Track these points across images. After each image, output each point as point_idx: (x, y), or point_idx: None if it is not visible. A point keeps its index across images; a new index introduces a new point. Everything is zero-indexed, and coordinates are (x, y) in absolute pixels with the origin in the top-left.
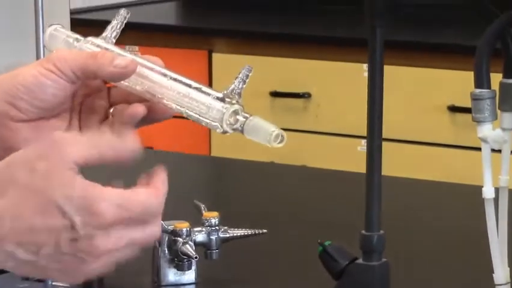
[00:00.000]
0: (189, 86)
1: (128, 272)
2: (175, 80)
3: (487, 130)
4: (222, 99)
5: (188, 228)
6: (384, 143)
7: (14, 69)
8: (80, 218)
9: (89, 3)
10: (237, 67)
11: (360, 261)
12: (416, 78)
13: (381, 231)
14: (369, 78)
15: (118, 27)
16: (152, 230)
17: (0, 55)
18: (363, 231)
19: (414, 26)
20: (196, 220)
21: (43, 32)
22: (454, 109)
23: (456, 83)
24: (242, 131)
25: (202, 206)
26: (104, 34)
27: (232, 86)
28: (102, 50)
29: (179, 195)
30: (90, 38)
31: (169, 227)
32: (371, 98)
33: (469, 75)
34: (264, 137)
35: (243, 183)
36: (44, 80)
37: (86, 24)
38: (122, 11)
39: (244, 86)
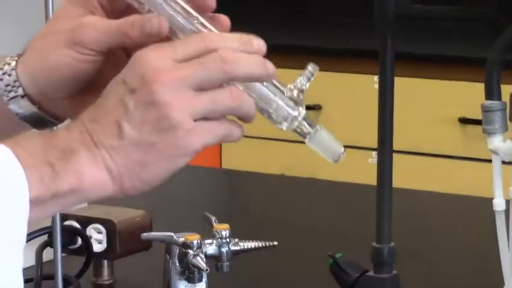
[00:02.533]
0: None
1: (139, 283)
2: None
3: (497, 142)
4: (295, 102)
5: (199, 241)
6: (395, 155)
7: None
8: (127, 69)
9: None
10: None
11: (371, 273)
12: (426, 90)
13: (392, 244)
14: (380, 90)
15: None
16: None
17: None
18: (374, 244)
19: (424, 37)
20: (207, 232)
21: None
22: (464, 121)
23: (467, 94)
24: (304, 136)
25: (213, 218)
26: None
27: (298, 83)
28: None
29: (190, 207)
30: None
31: (180, 239)
32: (381, 109)
33: (480, 87)
34: (331, 154)
35: (254, 195)
36: (81, 66)
37: None
38: None
39: (309, 84)
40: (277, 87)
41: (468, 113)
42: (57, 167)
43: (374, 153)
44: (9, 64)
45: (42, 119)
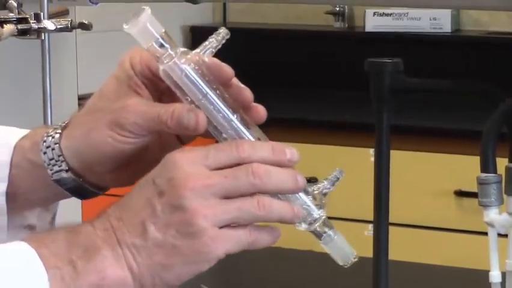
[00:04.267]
0: None
1: None
2: None
3: (493, 214)
4: (317, 205)
5: None
6: (391, 228)
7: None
8: (158, 171)
9: (97, 88)
10: None
11: None
12: (422, 163)
13: None
14: (376, 163)
15: (214, 46)
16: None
17: (9, 121)
18: None
19: (420, 111)
20: None
21: (51, 118)
22: (460, 194)
23: (462, 167)
24: (319, 237)
25: None
26: (197, 50)
27: (322, 186)
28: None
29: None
30: (185, 53)
31: None
32: (377, 182)
33: (475, 160)
34: (343, 258)
35: (250, 268)
36: (122, 146)
37: None
38: (223, 30)
39: (332, 188)
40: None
41: (464, 185)
42: (79, 266)
43: (370, 226)
44: (52, 137)
45: (85, 190)
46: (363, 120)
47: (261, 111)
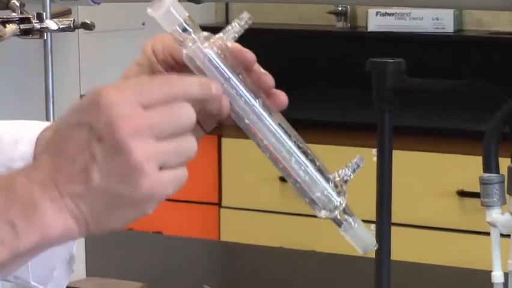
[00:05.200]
0: (313, 162)
1: None
2: (299, 147)
3: (495, 214)
4: (338, 192)
5: None
6: (393, 228)
7: None
8: (92, 113)
9: None
10: (245, 152)
11: None
12: (424, 163)
13: None
14: (378, 163)
15: (237, 31)
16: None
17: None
18: None
19: (422, 111)
20: None
21: (54, 117)
22: (463, 194)
23: (465, 167)
24: (339, 225)
25: None
26: (220, 35)
27: (342, 173)
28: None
29: (189, 279)
30: (208, 37)
31: None
32: (380, 182)
33: (478, 160)
34: (363, 246)
35: (252, 268)
36: None
37: None
38: (245, 15)
39: (354, 175)
40: (323, 175)
41: (466, 185)
42: (20, 226)
43: (373, 226)
44: None
45: None
46: (366, 120)
47: (282, 97)
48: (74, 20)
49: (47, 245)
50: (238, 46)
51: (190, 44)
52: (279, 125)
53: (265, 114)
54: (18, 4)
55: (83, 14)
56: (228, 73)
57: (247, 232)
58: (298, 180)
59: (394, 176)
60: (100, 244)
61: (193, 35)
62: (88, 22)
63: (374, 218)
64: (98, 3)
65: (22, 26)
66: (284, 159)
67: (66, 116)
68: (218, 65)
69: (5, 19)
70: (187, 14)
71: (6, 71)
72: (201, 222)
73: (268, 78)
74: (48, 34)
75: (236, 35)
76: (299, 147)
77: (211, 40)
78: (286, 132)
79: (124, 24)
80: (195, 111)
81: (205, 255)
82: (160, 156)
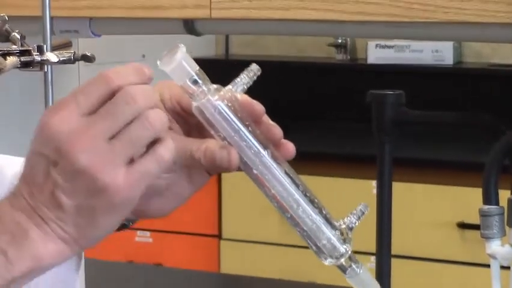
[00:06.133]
0: (320, 210)
1: None
2: (306, 196)
3: (495, 246)
4: (344, 239)
5: None
6: (393, 260)
7: None
8: (42, 142)
9: None
10: (246, 184)
11: None
12: (424, 195)
13: None
14: (378, 195)
15: (245, 82)
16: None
17: (12, 152)
18: None
19: (422, 143)
20: None
21: None
22: (463, 226)
23: (465, 199)
24: (344, 271)
25: None
26: (229, 87)
27: (348, 220)
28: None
29: None
30: (218, 90)
31: None
32: (380, 214)
33: (478, 192)
34: None
35: None
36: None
37: None
38: (254, 66)
39: (358, 222)
40: (329, 223)
41: (466, 217)
42: (11, 254)
43: (373, 258)
44: None
45: None
46: (365, 152)
47: (290, 148)
48: (74, 52)
49: (40, 270)
50: (247, 98)
51: (201, 96)
52: (287, 174)
53: (274, 165)
54: (18, 37)
55: (83, 46)
56: (238, 125)
57: (247, 264)
58: (305, 228)
59: (394, 208)
60: (100, 277)
61: (203, 87)
62: (89, 54)
63: (373, 250)
64: (99, 36)
65: (23, 59)
66: (291, 208)
67: (30, 145)
68: (228, 117)
69: (6, 51)
70: (198, 67)
71: (7, 103)
72: (201, 254)
73: (277, 130)
74: (49, 66)
75: (245, 87)
76: (306, 196)
77: (221, 93)
78: (294, 181)
79: (124, 56)
80: (205, 165)
81: (205, 287)
82: (116, 158)
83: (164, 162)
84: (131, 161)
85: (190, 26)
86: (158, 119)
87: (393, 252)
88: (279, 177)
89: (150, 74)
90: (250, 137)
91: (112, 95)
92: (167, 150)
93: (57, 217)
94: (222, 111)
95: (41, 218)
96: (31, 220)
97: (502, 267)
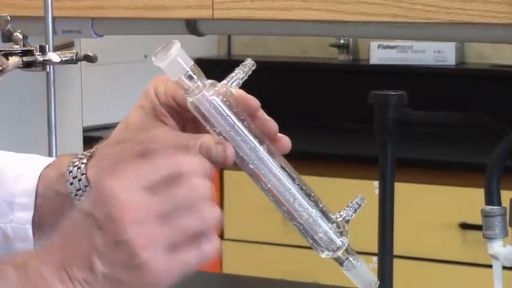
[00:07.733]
0: (316, 203)
1: None
2: (302, 189)
3: (497, 247)
4: (340, 232)
5: None
6: (395, 260)
7: None
8: (96, 204)
9: (101, 120)
10: (247, 184)
11: None
12: (426, 195)
13: None
14: (380, 195)
15: (241, 77)
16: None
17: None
18: None
19: (424, 143)
20: None
21: (56, 149)
22: (465, 226)
23: (467, 200)
24: (341, 264)
25: None
26: (224, 82)
27: (344, 213)
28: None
29: None
30: (213, 85)
31: None
32: (382, 215)
33: (480, 193)
34: (365, 284)
35: None
36: None
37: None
38: (249, 61)
39: (355, 215)
40: (325, 216)
41: (468, 218)
42: None
43: (375, 259)
44: (78, 167)
45: None
46: (368, 152)
47: (286, 142)
48: (76, 52)
49: None
50: (242, 93)
51: (196, 92)
52: (283, 168)
53: (270, 159)
54: (21, 37)
55: (85, 46)
56: (234, 120)
57: (249, 264)
58: (301, 222)
59: (396, 209)
60: None
61: (198, 83)
62: (91, 54)
63: (376, 251)
64: (101, 36)
65: (25, 59)
66: (287, 201)
67: (80, 204)
68: (223, 112)
69: (8, 51)
70: (192, 62)
71: (9, 103)
72: None
73: (272, 124)
74: (51, 66)
75: (240, 82)
76: (302, 190)
77: (216, 88)
78: (290, 175)
79: (126, 56)
80: None
81: None
82: (161, 240)
83: (207, 260)
84: (174, 246)
85: (192, 26)
86: (214, 217)
87: (395, 252)
88: (275, 171)
89: (211, 169)
90: (245, 131)
91: (175, 179)
92: (212, 249)
93: (85, 280)
94: (217, 106)
95: (68, 275)
96: (57, 275)
97: (504, 267)
